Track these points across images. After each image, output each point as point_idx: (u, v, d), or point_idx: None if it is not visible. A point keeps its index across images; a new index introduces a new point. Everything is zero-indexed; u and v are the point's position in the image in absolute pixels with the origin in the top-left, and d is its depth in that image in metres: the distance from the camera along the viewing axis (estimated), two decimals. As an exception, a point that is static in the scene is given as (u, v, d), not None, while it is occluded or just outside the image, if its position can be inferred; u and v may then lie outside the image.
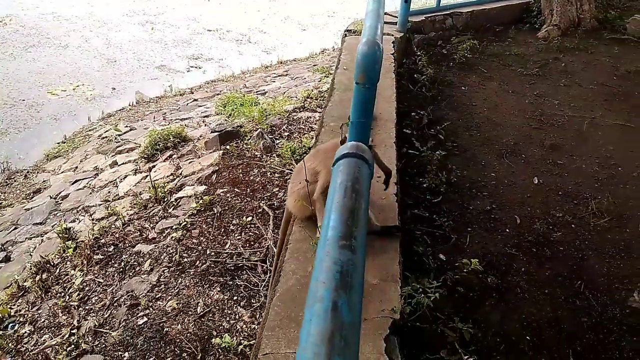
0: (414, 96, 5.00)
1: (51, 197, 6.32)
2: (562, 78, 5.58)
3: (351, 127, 1.94)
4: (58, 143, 7.62)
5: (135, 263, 4.38)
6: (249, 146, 5.58)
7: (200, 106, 8.14)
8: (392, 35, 5.45)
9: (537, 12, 7.07)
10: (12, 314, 4.42)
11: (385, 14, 5.99)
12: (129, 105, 8.67)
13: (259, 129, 5.80)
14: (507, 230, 3.40)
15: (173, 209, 4.78)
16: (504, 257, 3.17)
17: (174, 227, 4.59)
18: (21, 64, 8.98)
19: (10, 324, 4.25)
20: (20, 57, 9.10)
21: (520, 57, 6.00)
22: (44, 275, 4.70)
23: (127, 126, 7.72)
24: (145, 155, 6.41)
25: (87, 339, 3.50)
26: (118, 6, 11.70)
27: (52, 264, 4.83)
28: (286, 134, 5.45)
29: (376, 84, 1.89)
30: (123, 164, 6.62)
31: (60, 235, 5.09)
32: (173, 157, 6.01)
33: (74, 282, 4.44)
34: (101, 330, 3.65)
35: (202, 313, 3.70)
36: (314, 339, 0.77)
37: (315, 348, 0.75)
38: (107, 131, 7.72)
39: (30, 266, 4.86)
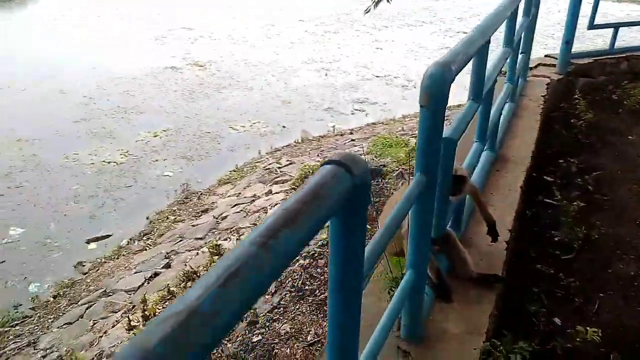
0: (565, 142, 4.51)
1: (214, 217, 7.01)
2: None
3: (417, 154, 1.80)
4: (230, 171, 8.43)
5: (307, 290, 4.53)
6: (389, 185, 5.53)
7: (356, 146, 8.37)
8: (548, 78, 5.02)
9: None
10: (157, 313, 4.93)
11: (546, 56, 5.56)
12: (295, 142, 9.27)
13: (400, 169, 5.73)
14: (654, 302, 2.79)
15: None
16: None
17: (303, 254, 4.71)
18: (213, 102, 10.26)
19: (153, 323, 4.76)
20: (212, 97, 10.42)
21: None
22: (189, 284, 5.18)
23: (288, 160, 8.27)
24: (295, 186, 6.77)
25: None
26: (300, 54, 12.76)
27: (198, 274, 5.31)
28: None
29: (443, 109, 1.73)
30: (276, 192, 7.08)
31: (211, 250, 5.60)
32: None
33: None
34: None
35: (311, 341, 3.70)
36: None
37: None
38: (270, 164, 8.36)
39: (182, 274, 5.41)
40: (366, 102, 10.63)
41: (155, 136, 9.13)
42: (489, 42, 2.39)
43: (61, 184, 7.63)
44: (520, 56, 4.27)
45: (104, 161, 8.23)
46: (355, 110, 10.40)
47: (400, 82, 11.15)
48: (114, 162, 8.26)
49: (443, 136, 2.17)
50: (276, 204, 6.81)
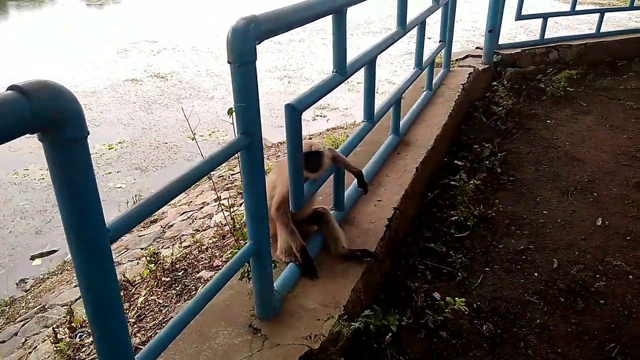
0: (484, 129, 4.56)
1: (161, 227, 6.98)
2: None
3: (235, 115, 1.83)
4: (186, 180, 8.40)
5: (193, 287, 4.57)
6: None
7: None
8: (473, 67, 5.07)
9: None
10: (84, 325, 4.89)
11: (477, 47, 5.64)
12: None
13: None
14: (536, 274, 2.80)
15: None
16: (518, 304, 2.61)
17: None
18: (171, 112, 10.27)
19: (79, 334, 4.69)
20: (171, 107, 10.44)
21: (637, 91, 5.07)
22: (121, 294, 5.14)
23: (242, 167, 8.27)
24: (241, 191, 6.77)
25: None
26: (263, 63, 12.86)
27: (131, 283, 5.27)
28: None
29: (251, 67, 1.76)
30: (225, 198, 7.07)
31: (148, 258, 5.56)
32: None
33: (137, 301, 4.78)
34: (142, 347, 3.83)
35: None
36: None
37: None
38: (224, 172, 8.36)
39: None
40: (327, 108, 10.68)
41: (110, 149, 9.12)
42: (341, 12, 2.42)
43: (8, 201, 7.58)
44: (438, 45, 4.35)
45: (55, 175, 8.19)
46: (317, 116, 10.43)
47: (362, 88, 11.24)
48: (65, 176, 8.21)
49: (286, 103, 2.23)
50: (222, 210, 6.81)
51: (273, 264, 2.21)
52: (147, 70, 12.19)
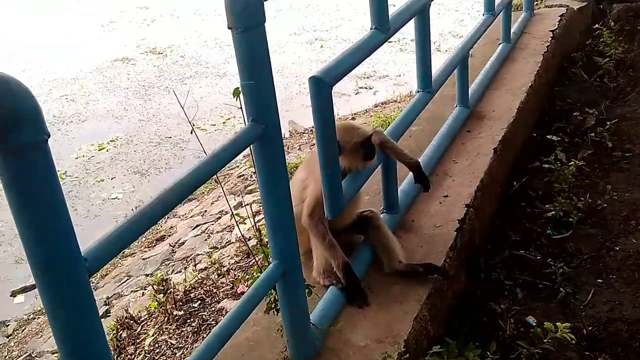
0: (586, 89, 4.49)
1: (170, 245, 7.12)
2: None
3: (244, 96, 1.83)
4: (196, 184, 8.54)
5: (212, 322, 4.63)
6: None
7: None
8: (565, 7, 4.96)
9: None
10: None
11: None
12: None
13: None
14: (669, 284, 2.70)
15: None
16: None
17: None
18: (174, 98, 10.44)
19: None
20: (176, 90, 10.61)
21: None
22: (124, 334, 5.26)
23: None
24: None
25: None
26: (287, 24, 12.89)
27: (137, 320, 5.38)
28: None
29: (258, 27, 1.74)
30: (248, 204, 7.12)
31: (156, 287, 5.67)
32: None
33: (144, 343, 4.88)
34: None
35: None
36: None
37: None
38: (245, 169, 8.43)
39: (114, 323, 5.49)
40: (373, 77, 10.62)
41: (100, 149, 9.36)
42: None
43: (-19, 223, 7.87)
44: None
45: (34, 187, 8.46)
46: (360, 88, 10.39)
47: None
48: (48, 187, 8.46)
49: (311, 76, 2.23)
50: (246, 219, 6.86)
51: (307, 289, 2.21)
52: (140, 45, 12.42)
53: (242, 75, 1.83)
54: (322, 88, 2.16)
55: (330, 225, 2.49)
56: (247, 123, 1.87)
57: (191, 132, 2.67)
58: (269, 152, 1.88)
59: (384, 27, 2.51)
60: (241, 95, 1.87)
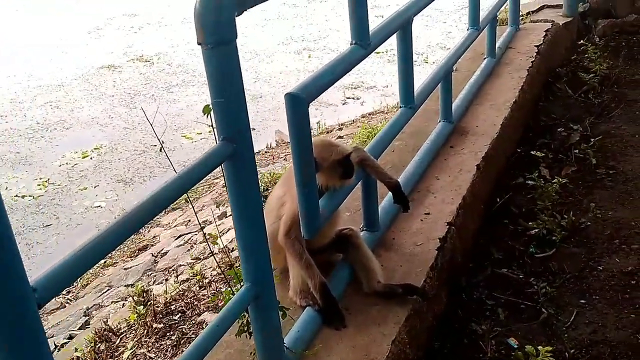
0: (570, 105, 4.49)
1: (153, 255, 7.03)
2: None
3: (215, 113, 1.77)
4: (180, 194, 8.45)
5: (192, 335, 4.55)
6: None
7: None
8: (551, 22, 4.95)
9: None
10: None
11: (554, -5, 5.48)
12: (267, 147, 9.28)
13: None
14: (654, 306, 2.66)
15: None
16: (629, 350, 2.48)
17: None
18: (160, 105, 10.35)
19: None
20: (160, 99, 10.55)
21: None
22: (103, 346, 5.15)
23: (253, 171, 8.25)
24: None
25: None
26: (275, 33, 12.86)
27: (115, 332, 5.27)
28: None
29: (229, 43, 1.67)
30: (230, 215, 7.05)
31: (136, 299, 5.56)
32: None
33: (122, 356, 4.78)
34: None
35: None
36: None
37: None
38: (230, 178, 8.35)
39: (92, 335, 5.37)
40: (361, 87, 10.59)
41: (84, 157, 9.26)
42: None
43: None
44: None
45: (16, 195, 8.35)
46: (348, 99, 10.36)
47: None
48: (30, 196, 8.36)
49: (286, 92, 2.17)
50: (230, 229, 6.79)
51: (282, 312, 2.14)
52: (126, 52, 12.35)
53: (212, 93, 1.76)
54: (298, 105, 2.10)
55: (307, 244, 2.42)
56: (217, 141, 1.80)
57: (160, 150, 2.60)
58: (240, 172, 1.81)
59: (364, 42, 2.46)
60: (211, 112, 1.80)
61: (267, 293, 1.98)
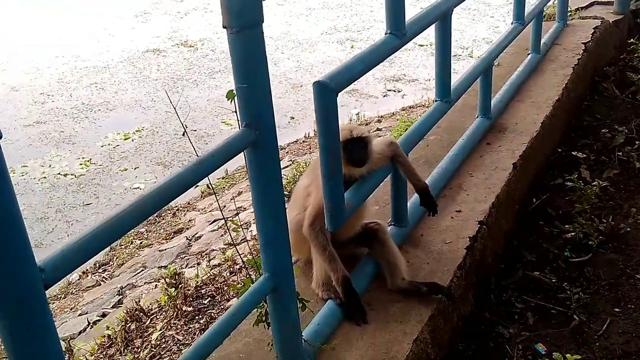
0: (616, 105, 4.37)
1: (187, 239, 7.08)
2: None
3: (238, 100, 1.73)
4: (218, 179, 8.49)
5: None
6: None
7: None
8: (600, 19, 4.78)
9: None
10: (88, 364, 4.99)
11: (603, -8, 5.30)
12: (305, 136, 9.24)
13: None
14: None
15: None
16: None
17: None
18: (202, 91, 10.43)
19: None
20: (202, 84, 10.62)
21: None
22: (133, 326, 5.20)
23: (290, 160, 8.24)
24: (287, 191, 6.71)
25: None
26: (319, 23, 12.80)
27: (146, 313, 5.32)
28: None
29: (255, 27, 1.62)
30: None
31: (168, 281, 5.61)
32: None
33: (151, 337, 4.82)
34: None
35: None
36: None
37: None
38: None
39: (124, 315, 5.43)
40: (403, 80, 10.47)
41: (126, 139, 9.37)
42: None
43: (1, 205, 7.89)
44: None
45: (59, 174, 8.51)
46: (388, 91, 10.26)
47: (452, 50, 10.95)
48: (72, 175, 8.51)
49: (315, 80, 2.10)
50: (228, 228, 6.78)
51: (301, 304, 2.10)
52: (171, 37, 12.46)
53: (236, 78, 1.72)
54: (327, 94, 2.04)
55: (332, 236, 2.37)
56: (240, 127, 1.76)
57: (183, 134, 2.57)
58: (262, 160, 1.77)
59: (399, 32, 2.39)
60: (235, 98, 1.76)
61: (285, 284, 1.94)
